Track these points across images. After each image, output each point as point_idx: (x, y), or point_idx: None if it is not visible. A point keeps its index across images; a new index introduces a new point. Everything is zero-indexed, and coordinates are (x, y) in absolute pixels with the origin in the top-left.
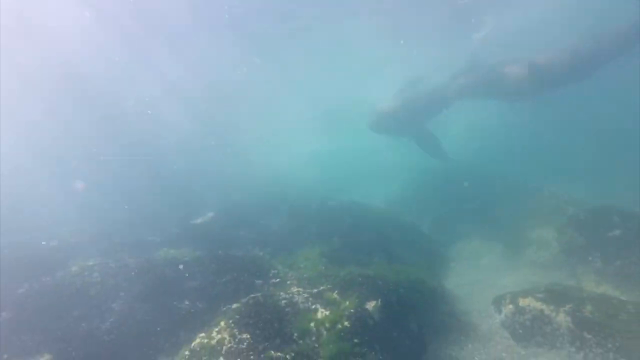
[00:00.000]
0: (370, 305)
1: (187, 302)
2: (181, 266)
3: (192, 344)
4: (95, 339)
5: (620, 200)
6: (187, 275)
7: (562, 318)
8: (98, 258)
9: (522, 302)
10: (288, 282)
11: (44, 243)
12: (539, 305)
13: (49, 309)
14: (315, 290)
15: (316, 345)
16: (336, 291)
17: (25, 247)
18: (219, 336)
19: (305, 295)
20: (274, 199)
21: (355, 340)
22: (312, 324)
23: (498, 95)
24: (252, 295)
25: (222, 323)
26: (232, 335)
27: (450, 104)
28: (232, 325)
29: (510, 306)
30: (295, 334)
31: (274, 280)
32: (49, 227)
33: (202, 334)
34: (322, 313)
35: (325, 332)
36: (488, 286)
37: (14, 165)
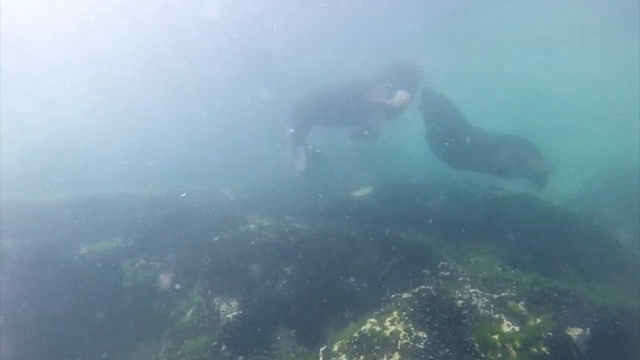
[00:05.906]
0: (574, 332)
1: (352, 280)
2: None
3: (363, 328)
4: (272, 296)
5: None
6: (353, 251)
7: None
8: (271, 219)
9: None
10: (460, 279)
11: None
12: None
13: (235, 259)
14: (495, 296)
15: None
16: (522, 302)
17: (211, 196)
18: (393, 328)
19: (485, 300)
20: (432, 182)
21: None
22: (496, 337)
23: None
24: (424, 287)
25: (395, 313)
26: (408, 331)
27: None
28: (407, 318)
29: None
30: (477, 345)
31: (442, 273)
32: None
33: (373, 320)
34: (509, 327)
35: (515, 353)
36: None
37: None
